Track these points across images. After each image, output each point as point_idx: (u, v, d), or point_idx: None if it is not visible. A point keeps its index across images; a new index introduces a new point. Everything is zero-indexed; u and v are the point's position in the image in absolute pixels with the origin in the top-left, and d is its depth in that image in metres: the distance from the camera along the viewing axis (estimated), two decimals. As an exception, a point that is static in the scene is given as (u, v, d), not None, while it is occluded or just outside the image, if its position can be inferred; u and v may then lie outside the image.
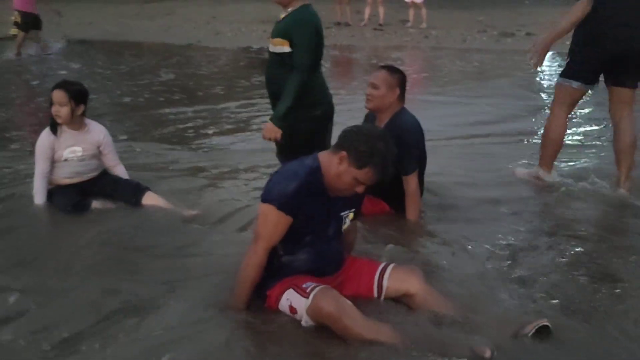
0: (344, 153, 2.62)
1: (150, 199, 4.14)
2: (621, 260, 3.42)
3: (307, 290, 2.66)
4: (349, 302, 2.63)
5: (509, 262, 3.39)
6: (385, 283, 2.88)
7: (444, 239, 3.66)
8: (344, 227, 2.90)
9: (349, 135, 2.67)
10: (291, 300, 2.71)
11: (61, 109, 3.99)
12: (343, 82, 9.44)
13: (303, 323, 2.68)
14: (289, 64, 3.75)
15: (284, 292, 2.75)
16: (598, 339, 2.67)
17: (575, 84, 4.36)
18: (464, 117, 7.09)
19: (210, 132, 6.52)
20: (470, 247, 3.57)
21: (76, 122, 4.09)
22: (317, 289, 2.65)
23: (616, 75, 4.28)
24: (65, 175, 4.15)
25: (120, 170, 4.36)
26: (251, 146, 5.75)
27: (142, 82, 9.32)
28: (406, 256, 3.34)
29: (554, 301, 2.97)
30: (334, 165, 2.65)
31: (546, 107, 7.02)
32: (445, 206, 4.17)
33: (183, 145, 5.91)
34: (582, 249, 3.54)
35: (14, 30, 11.69)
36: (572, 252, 3.51)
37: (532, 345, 2.55)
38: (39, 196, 4.06)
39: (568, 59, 4.41)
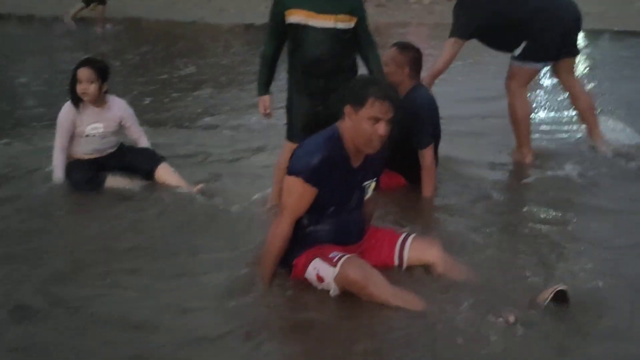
0: (346, 107, 2.71)
1: (163, 170, 4.19)
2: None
3: (335, 260, 2.74)
4: (375, 270, 2.72)
5: (523, 235, 3.49)
6: (406, 253, 2.97)
7: (459, 213, 3.74)
8: (367, 197, 2.97)
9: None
10: (318, 269, 2.79)
11: (90, 87, 4.03)
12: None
13: (331, 292, 2.77)
14: (347, 39, 3.47)
15: (311, 261, 2.82)
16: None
17: (540, 65, 4.56)
18: (466, 93, 7.05)
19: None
20: (484, 221, 3.65)
21: (99, 100, 4.12)
22: (344, 258, 2.73)
23: (568, 47, 4.45)
24: (84, 151, 4.19)
25: (143, 142, 4.42)
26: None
27: (160, 77, 8.11)
28: (423, 230, 3.42)
29: (575, 270, 3.05)
30: (347, 125, 2.72)
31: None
32: (458, 181, 4.25)
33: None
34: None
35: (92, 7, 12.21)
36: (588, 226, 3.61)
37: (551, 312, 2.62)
38: (58, 170, 4.11)
39: (526, 44, 4.37)
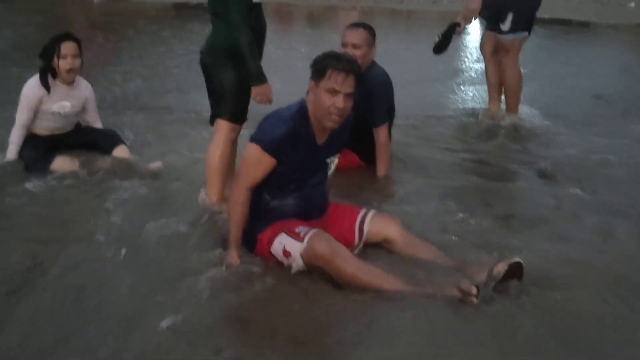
0: (310, 81, 2.74)
1: (120, 151, 4.13)
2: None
3: (301, 235, 2.76)
4: (341, 244, 2.75)
5: (476, 206, 3.60)
6: (365, 228, 2.99)
7: (415, 193, 3.80)
8: (330, 172, 3.00)
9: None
10: (285, 244, 2.80)
11: (75, 61, 3.93)
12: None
13: (294, 267, 2.77)
14: None
15: (276, 236, 2.83)
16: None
17: (525, 34, 4.99)
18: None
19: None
20: (438, 195, 3.74)
21: (72, 77, 4.00)
22: (311, 232, 2.76)
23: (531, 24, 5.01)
24: (45, 127, 4.07)
25: (98, 126, 4.33)
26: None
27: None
28: (380, 207, 3.45)
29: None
30: (310, 99, 2.75)
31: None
32: (414, 161, 4.34)
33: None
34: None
35: None
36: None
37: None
38: (12, 147, 3.97)
39: (511, 16, 4.88)
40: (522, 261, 2.67)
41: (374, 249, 3.00)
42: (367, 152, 3.98)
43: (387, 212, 3.31)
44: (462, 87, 6.77)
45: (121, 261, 2.92)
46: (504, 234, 3.29)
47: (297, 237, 2.77)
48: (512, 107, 5.20)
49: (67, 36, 3.92)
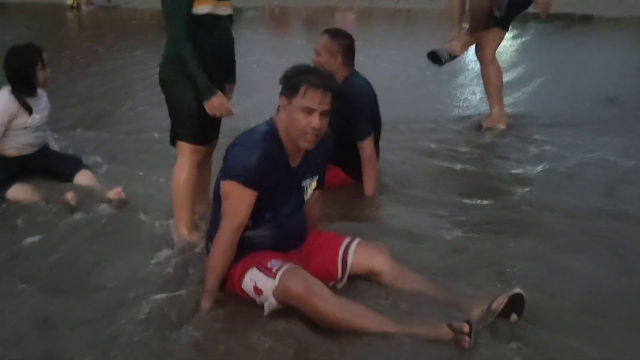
0: (280, 97, 2.46)
1: (82, 175, 3.86)
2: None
3: (273, 270, 2.42)
4: (318, 281, 2.41)
5: (472, 231, 3.22)
6: (350, 259, 2.66)
7: (406, 212, 3.46)
8: (307, 197, 2.66)
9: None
10: (256, 280, 2.46)
11: (48, 69, 3.81)
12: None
13: (266, 307, 2.43)
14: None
15: (247, 270, 2.50)
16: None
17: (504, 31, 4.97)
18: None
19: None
20: (433, 218, 3.39)
21: None
22: (284, 268, 2.41)
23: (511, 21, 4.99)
24: (14, 146, 3.83)
25: (51, 136, 4.18)
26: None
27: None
28: (369, 232, 3.11)
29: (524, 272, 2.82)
30: (282, 117, 2.46)
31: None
32: (403, 174, 4.01)
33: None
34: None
35: None
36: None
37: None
38: None
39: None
40: (523, 293, 2.37)
41: (360, 280, 2.66)
42: (352, 167, 3.67)
43: (374, 239, 2.92)
44: (460, 89, 6.50)
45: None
46: (504, 258, 2.92)
47: (269, 273, 2.42)
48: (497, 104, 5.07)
49: (39, 46, 3.81)
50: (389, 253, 2.68)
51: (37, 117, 3.84)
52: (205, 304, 2.50)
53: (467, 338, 2.23)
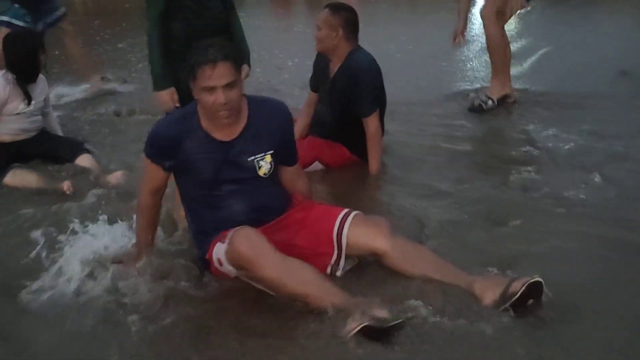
0: (189, 82, 2.38)
1: (83, 160, 3.80)
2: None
3: (228, 235, 2.34)
4: (267, 241, 2.27)
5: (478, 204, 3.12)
6: (345, 235, 2.46)
7: (411, 191, 3.33)
8: (262, 173, 2.50)
9: None
10: (217, 253, 2.40)
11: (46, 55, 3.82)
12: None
13: (231, 274, 2.40)
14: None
15: (214, 250, 2.43)
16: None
17: None
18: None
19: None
20: (438, 191, 3.30)
21: None
22: (235, 230, 2.32)
23: None
24: (8, 131, 3.79)
25: (55, 120, 4.15)
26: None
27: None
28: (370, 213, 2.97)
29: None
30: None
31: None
32: (409, 152, 3.90)
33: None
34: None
35: None
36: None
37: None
38: None
39: None
40: (541, 280, 2.19)
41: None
42: (357, 145, 3.56)
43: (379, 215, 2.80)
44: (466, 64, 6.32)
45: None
46: (516, 243, 2.76)
47: (224, 239, 2.35)
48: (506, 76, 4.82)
49: (38, 31, 3.88)
50: (389, 229, 2.47)
51: (32, 103, 3.77)
52: (130, 253, 2.60)
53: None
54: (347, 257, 2.49)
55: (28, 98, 3.72)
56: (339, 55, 3.47)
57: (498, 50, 4.66)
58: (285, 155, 2.59)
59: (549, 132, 4.14)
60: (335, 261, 2.48)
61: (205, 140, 2.42)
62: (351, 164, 3.63)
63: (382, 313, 2.09)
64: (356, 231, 2.44)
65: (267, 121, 2.50)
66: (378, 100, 3.52)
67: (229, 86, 2.28)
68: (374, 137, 3.49)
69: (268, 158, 2.51)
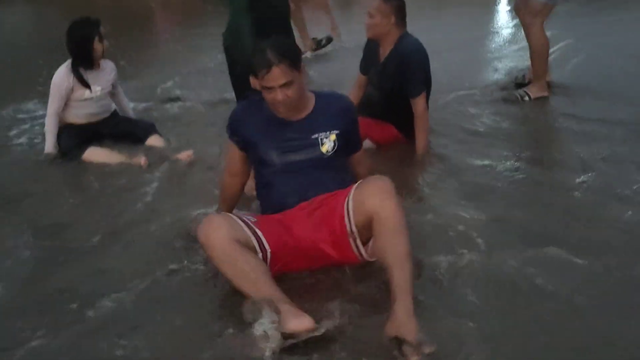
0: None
1: (154, 140, 4.08)
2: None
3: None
4: (224, 224, 2.27)
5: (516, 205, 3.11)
6: (350, 202, 2.34)
7: (453, 166, 3.55)
8: (325, 150, 2.57)
9: None
10: None
11: (106, 42, 3.97)
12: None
13: None
14: None
15: None
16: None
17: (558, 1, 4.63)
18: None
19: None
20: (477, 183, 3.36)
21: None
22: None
23: None
24: (80, 115, 4.05)
25: (127, 104, 4.38)
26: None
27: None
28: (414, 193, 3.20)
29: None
30: None
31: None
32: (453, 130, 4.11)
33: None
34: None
35: None
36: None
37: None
38: (50, 136, 3.97)
39: None
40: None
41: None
42: (405, 124, 3.79)
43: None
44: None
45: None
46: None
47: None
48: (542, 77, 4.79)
49: (97, 20, 3.94)
50: (387, 189, 2.26)
51: (97, 89, 4.01)
52: None
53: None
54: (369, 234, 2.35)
55: (85, 85, 3.93)
56: (389, 40, 3.69)
57: (542, 55, 4.66)
58: (349, 140, 2.67)
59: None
60: (351, 233, 2.38)
61: (272, 120, 2.56)
62: (399, 142, 3.85)
63: (298, 326, 2.04)
64: (357, 194, 2.34)
65: (332, 108, 2.63)
66: (425, 82, 3.73)
67: (285, 85, 2.42)
68: (421, 117, 3.69)
69: (332, 137, 2.59)
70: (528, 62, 4.91)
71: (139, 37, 8.21)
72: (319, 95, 2.67)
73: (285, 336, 2.01)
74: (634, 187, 3.12)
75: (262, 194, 2.67)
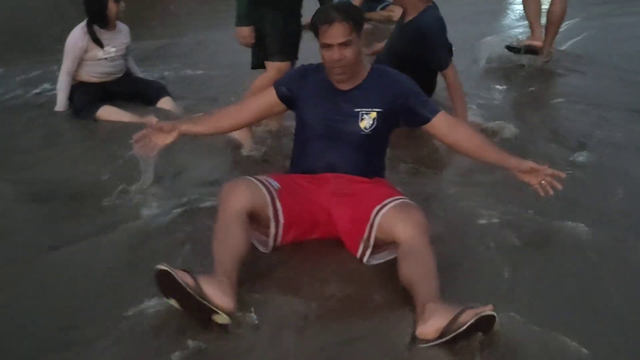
0: None
1: (165, 102, 4.09)
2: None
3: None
4: (246, 202, 2.27)
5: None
6: (377, 220, 2.32)
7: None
8: (364, 124, 2.53)
9: None
10: None
11: (123, 3, 3.96)
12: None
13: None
14: None
15: None
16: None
17: None
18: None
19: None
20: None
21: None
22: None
23: None
24: (94, 74, 4.06)
25: (136, 69, 4.39)
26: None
27: None
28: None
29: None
30: None
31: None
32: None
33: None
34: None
35: None
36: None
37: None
38: (62, 95, 3.99)
39: None
40: (495, 314, 1.89)
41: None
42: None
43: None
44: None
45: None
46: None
47: None
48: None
49: None
50: (420, 221, 2.25)
51: (112, 50, 4.02)
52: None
53: None
54: (381, 246, 2.36)
55: (99, 44, 3.93)
56: (413, 10, 3.66)
57: (560, 21, 4.90)
58: (400, 118, 2.58)
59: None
60: (364, 240, 2.35)
61: (324, 84, 2.56)
62: None
63: (214, 297, 1.96)
64: (388, 216, 2.30)
65: (382, 84, 2.56)
66: (450, 53, 3.67)
67: (344, 44, 2.41)
68: (454, 87, 3.60)
69: (373, 114, 2.53)
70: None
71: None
72: (373, 69, 2.63)
73: (199, 293, 1.93)
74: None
75: (296, 152, 2.69)
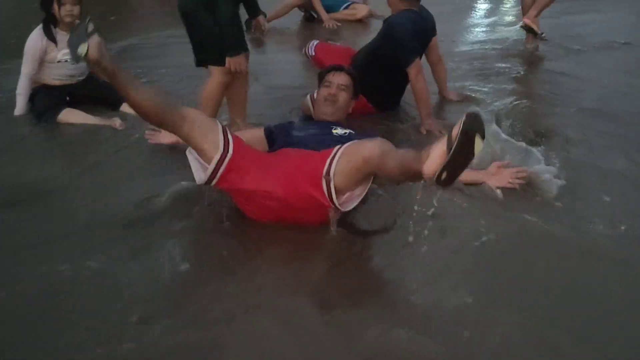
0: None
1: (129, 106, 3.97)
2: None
3: None
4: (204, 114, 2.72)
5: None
6: (339, 152, 2.40)
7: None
8: (335, 132, 2.97)
9: None
10: None
11: (74, 8, 3.87)
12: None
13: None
14: None
15: None
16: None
17: None
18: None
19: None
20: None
21: (72, 24, 3.91)
22: None
23: None
24: (55, 77, 4.00)
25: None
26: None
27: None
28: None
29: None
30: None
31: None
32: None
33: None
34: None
35: None
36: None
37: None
38: (21, 98, 3.94)
39: None
40: (477, 111, 1.94)
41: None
42: (376, 96, 3.85)
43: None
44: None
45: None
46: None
47: None
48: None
49: None
50: (381, 141, 2.31)
51: (67, 52, 3.85)
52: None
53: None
54: (344, 192, 2.43)
55: (54, 42, 3.88)
56: (393, 9, 3.82)
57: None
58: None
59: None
60: (326, 175, 2.37)
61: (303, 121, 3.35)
62: (367, 114, 3.81)
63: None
64: (349, 146, 2.39)
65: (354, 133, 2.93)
66: (415, 54, 3.67)
67: (341, 87, 3.18)
68: (414, 87, 3.64)
69: (347, 130, 2.94)
70: None
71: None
72: (350, 127, 2.98)
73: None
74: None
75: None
